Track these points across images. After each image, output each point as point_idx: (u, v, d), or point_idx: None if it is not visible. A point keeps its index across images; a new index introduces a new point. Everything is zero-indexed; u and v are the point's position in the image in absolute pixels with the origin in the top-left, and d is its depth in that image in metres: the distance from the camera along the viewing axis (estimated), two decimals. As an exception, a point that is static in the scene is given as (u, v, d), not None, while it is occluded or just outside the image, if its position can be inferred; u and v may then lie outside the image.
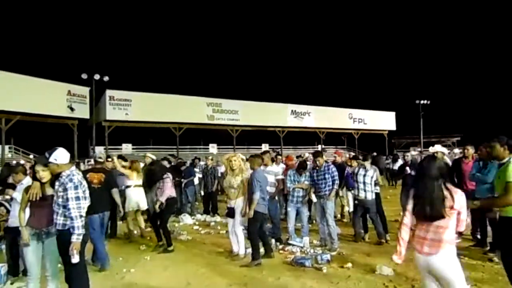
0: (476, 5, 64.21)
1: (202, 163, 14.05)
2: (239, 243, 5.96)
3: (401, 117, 40.42)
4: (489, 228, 5.98)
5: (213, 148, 31.51)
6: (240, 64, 59.62)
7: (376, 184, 6.98)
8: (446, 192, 2.78)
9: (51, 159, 3.61)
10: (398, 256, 3.00)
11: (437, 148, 7.66)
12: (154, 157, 8.51)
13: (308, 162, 7.76)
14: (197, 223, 9.12)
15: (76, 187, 3.55)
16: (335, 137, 39.84)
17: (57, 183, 3.62)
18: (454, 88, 59.03)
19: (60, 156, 3.65)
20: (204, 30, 62.43)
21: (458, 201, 2.78)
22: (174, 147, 29.10)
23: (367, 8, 72.88)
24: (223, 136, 32.18)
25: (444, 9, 73.70)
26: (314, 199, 6.63)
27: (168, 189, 6.53)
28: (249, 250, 5.70)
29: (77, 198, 3.53)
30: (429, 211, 2.78)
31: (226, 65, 59.76)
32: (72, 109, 24.99)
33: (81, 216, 3.53)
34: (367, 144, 37.47)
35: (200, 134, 32.92)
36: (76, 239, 3.47)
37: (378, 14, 71.65)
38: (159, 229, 6.56)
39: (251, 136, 34.46)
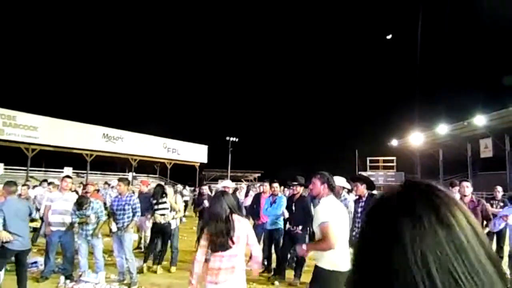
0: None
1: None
2: None
3: (213, 150, 43.00)
4: (274, 256, 6.83)
5: (-2, 168, 26.21)
6: (48, 75, 52.20)
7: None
8: (231, 224, 3.07)
9: None
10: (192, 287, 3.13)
11: (226, 183, 8.50)
12: None
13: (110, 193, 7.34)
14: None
15: None
16: (147, 165, 39.10)
17: None
18: (259, 129, 66.96)
19: None
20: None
21: (239, 228, 3.09)
22: None
23: (193, 50, 76.60)
24: (15, 154, 27.23)
25: (271, 63, 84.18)
26: (113, 228, 6.19)
27: None
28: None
29: None
30: (219, 243, 3.01)
31: (28, 73, 51.20)
32: None
33: None
34: (179, 175, 38.23)
35: (-19, 150, 27.02)
36: None
37: (196, 55, 76.18)
38: None
39: (52, 157, 30.28)
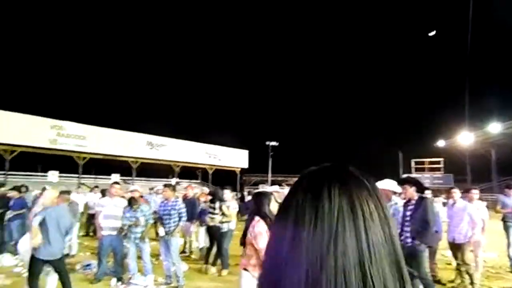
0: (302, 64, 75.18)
1: (35, 193, 12.27)
2: None
3: (253, 155, 43.17)
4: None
5: (53, 176, 27.80)
6: (94, 86, 54.97)
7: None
8: (248, 224, 3.13)
9: None
10: None
11: (273, 188, 8.47)
12: None
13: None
14: (20, 263, 7.73)
15: None
16: (190, 171, 39.96)
17: None
18: (299, 133, 66.50)
19: None
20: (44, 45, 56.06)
21: (250, 230, 3.10)
22: (2, 172, 24.71)
23: (223, 55, 77.77)
24: (67, 163, 28.87)
25: (296, 66, 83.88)
26: (161, 233, 6.36)
27: None
28: None
29: None
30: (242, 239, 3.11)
31: (77, 85, 54.08)
32: None
33: None
34: (220, 180, 38.71)
35: (38, 159, 28.83)
36: None
37: (236, 64, 77.05)
38: None
39: (100, 165, 31.83)
